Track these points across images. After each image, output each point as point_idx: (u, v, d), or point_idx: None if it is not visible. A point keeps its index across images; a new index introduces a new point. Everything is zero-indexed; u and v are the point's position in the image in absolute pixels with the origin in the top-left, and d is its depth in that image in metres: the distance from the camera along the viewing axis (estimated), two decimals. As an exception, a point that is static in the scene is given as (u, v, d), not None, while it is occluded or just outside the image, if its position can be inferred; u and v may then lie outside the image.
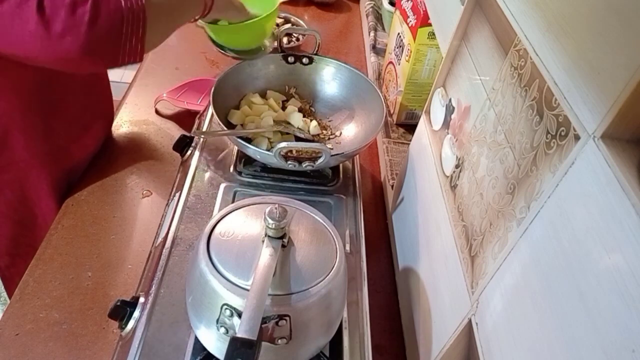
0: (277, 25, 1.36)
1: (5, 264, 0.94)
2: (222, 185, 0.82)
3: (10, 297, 0.97)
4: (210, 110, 0.88)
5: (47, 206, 0.89)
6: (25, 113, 0.79)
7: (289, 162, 0.78)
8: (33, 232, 0.91)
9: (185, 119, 1.08)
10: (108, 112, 1.01)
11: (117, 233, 0.85)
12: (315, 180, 0.86)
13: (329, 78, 0.98)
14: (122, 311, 0.64)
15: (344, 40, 1.51)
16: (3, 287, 1.01)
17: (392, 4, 1.39)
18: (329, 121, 0.97)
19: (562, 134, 0.43)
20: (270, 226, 0.52)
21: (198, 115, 1.03)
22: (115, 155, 0.99)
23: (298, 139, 0.90)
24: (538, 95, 0.47)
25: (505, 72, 0.55)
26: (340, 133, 0.95)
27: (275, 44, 0.99)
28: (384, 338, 0.78)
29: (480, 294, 0.54)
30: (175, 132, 1.05)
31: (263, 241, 0.53)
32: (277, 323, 0.52)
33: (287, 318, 0.52)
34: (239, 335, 0.45)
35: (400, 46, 1.11)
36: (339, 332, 0.64)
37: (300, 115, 0.93)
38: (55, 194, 0.89)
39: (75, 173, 0.93)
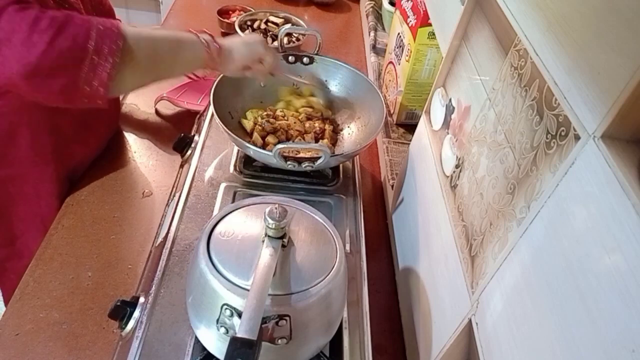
0: (277, 25, 1.36)
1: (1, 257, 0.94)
2: (222, 185, 0.82)
3: (4, 293, 0.97)
4: (211, 110, 0.88)
5: (48, 205, 0.89)
6: (32, 110, 0.79)
7: (288, 162, 0.78)
8: (29, 229, 0.91)
9: (185, 119, 1.08)
10: (113, 113, 1.01)
11: (117, 233, 0.85)
12: (315, 180, 0.86)
13: (329, 78, 0.98)
14: (122, 311, 0.64)
15: (344, 40, 1.51)
16: None
17: (392, 4, 1.39)
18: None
19: (562, 134, 0.43)
20: (270, 226, 0.52)
21: (198, 116, 1.03)
22: (115, 155, 0.99)
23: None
24: (538, 95, 0.47)
25: (505, 72, 0.55)
26: (341, 133, 0.95)
27: None
28: (384, 338, 0.78)
29: (481, 294, 0.54)
30: (175, 132, 1.05)
31: (263, 241, 0.53)
32: (277, 323, 0.52)
33: (287, 318, 0.52)
34: (239, 335, 0.45)
35: (400, 46, 1.11)
36: (339, 332, 0.64)
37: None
38: (56, 192, 0.89)
39: (77, 172, 0.93)
